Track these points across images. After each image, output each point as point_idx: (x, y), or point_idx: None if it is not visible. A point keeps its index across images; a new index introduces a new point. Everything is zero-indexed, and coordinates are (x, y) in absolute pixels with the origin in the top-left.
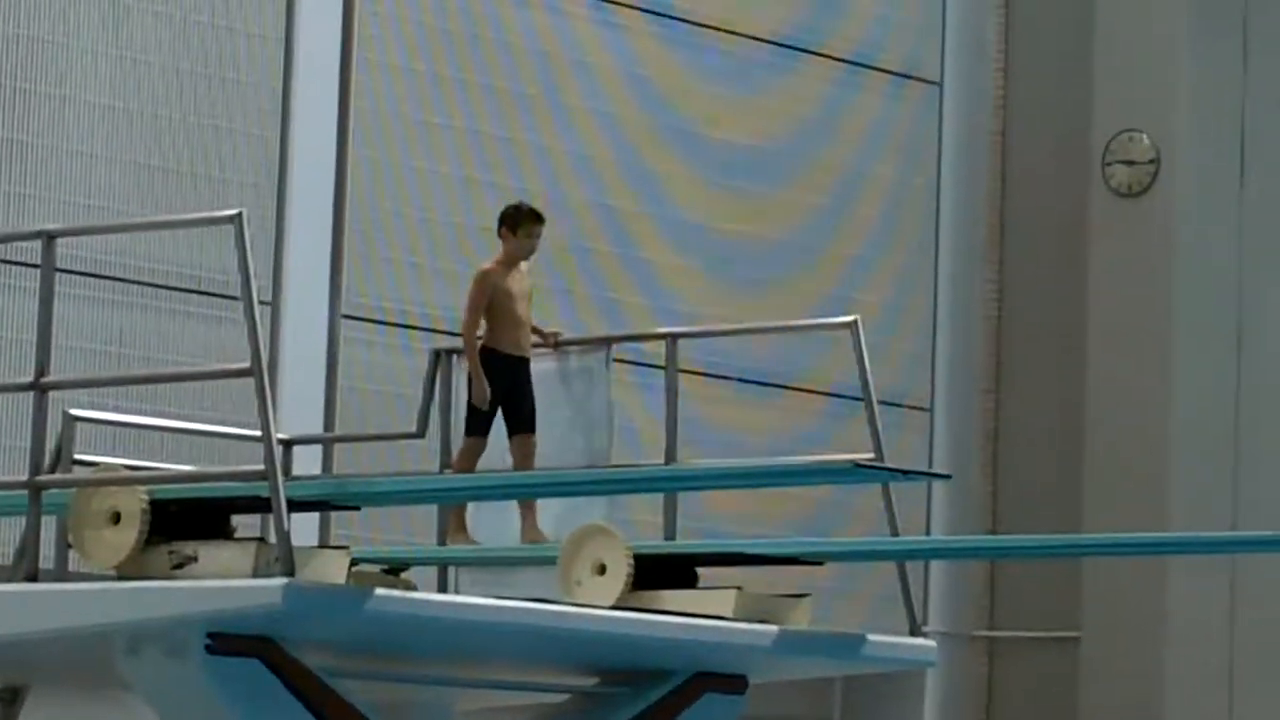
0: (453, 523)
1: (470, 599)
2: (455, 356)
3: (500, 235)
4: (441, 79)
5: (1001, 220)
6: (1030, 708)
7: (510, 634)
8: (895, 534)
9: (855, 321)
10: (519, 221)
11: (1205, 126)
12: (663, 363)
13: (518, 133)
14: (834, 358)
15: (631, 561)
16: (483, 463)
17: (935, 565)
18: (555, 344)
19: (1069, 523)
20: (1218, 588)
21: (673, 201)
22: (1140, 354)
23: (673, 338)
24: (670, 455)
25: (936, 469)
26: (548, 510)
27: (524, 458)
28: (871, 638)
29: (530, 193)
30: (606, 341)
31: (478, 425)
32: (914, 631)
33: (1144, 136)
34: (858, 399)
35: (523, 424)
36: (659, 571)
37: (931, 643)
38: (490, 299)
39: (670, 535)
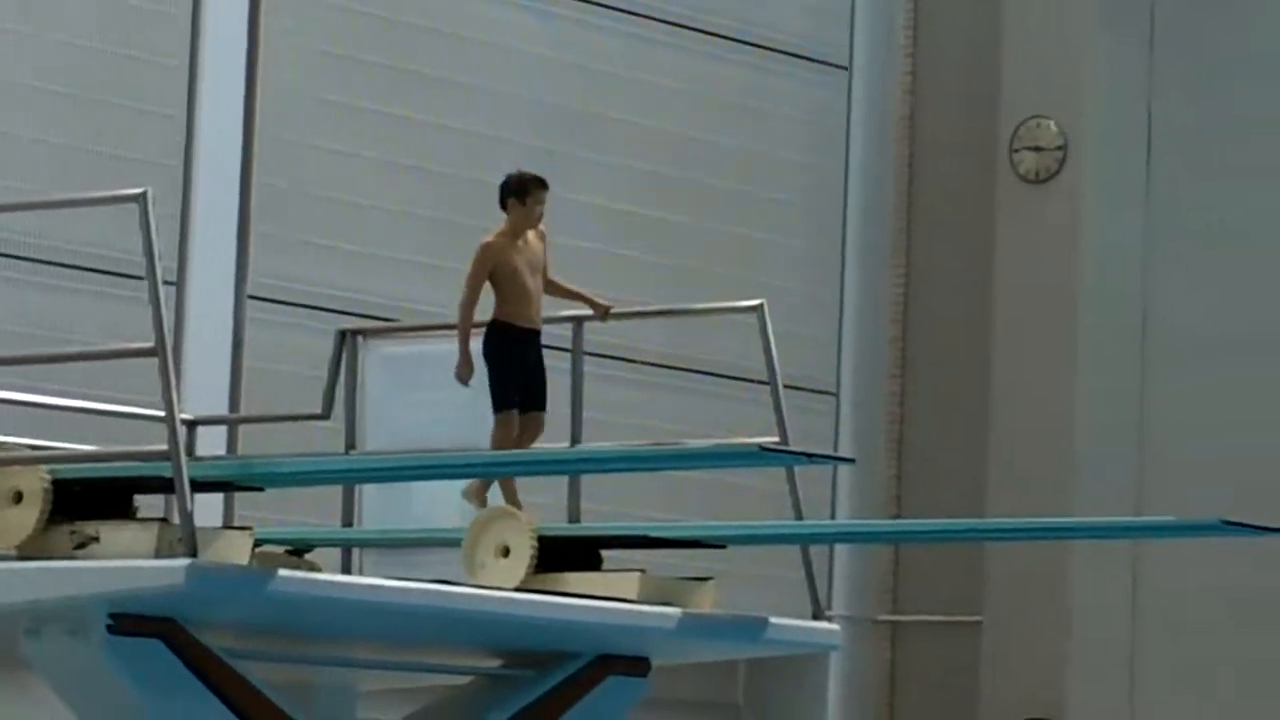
0: (477, 490)
1: (373, 580)
2: (360, 337)
3: (505, 207)
4: (351, 60)
5: (909, 206)
6: (933, 691)
7: (413, 616)
8: (799, 518)
9: (761, 305)
10: (526, 190)
11: (1113, 114)
12: (569, 346)
13: (427, 115)
14: (740, 341)
15: (535, 544)
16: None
17: (839, 549)
18: (605, 315)
19: (973, 507)
20: (1120, 573)
21: (581, 185)
22: (1046, 340)
23: (578, 321)
24: (575, 438)
25: (841, 453)
26: (451, 494)
27: (532, 436)
28: (775, 621)
29: (438, 175)
30: None
31: (505, 399)
32: (817, 615)
33: (1052, 123)
34: (764, 383)
35: (534, 401)
36: (563, 554)
37: (835, 627)
38: (495, 273)
39: (574, 518)
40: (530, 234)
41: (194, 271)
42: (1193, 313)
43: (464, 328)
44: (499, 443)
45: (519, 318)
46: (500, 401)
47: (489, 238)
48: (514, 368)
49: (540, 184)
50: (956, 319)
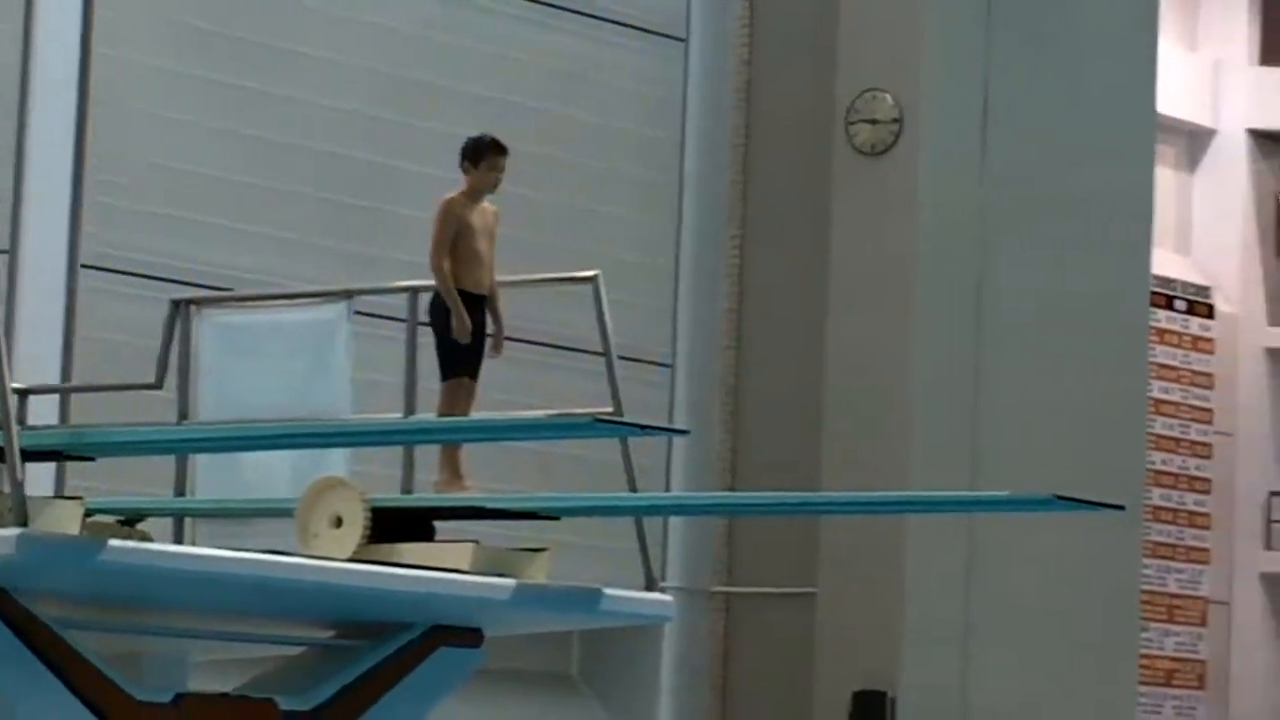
0: (447, 472)
1: (205, 550)
2: (194, 306)
3: (463, 169)
4: (186, 27)
5: (745, 178)
6: (767, 663)
7: (245, 586)
8: (633, 489)
9: (596, 276)
10: (481, 154)
11: (948, 87)
12: (404, 315)
13: (263, 84)
14: (576, 312)
15: (369, 514)
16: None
17: (674, 521)
18: (498, 343)
19: (808, 480)
20: (954, 546)
21: (417, 155)
22: (881, 313)
23: (413, 291)
24: (409, 408)
25: (676, 424)
26: (285, 464)
27: (466, 402)
28: (609, 592)
29: (274, 144)
30: (348, 294)
31: (458, 363)
32: (651, 586)
33: (887, 96)
34: (598, 354)
35: (471, 369)
36: (396, 524)
37: (669, 598)
38: (461, 230)
39: (408, 489)
40: (487, 205)
41: (26, 240)
42: (1028, 285)
43: (448, 286)
44: (446, 410)
45: (468, 281)
46: (448, 368)
47: (451, 195)
48: (453, 335)
49: (497, 148)
50: (792, 292)
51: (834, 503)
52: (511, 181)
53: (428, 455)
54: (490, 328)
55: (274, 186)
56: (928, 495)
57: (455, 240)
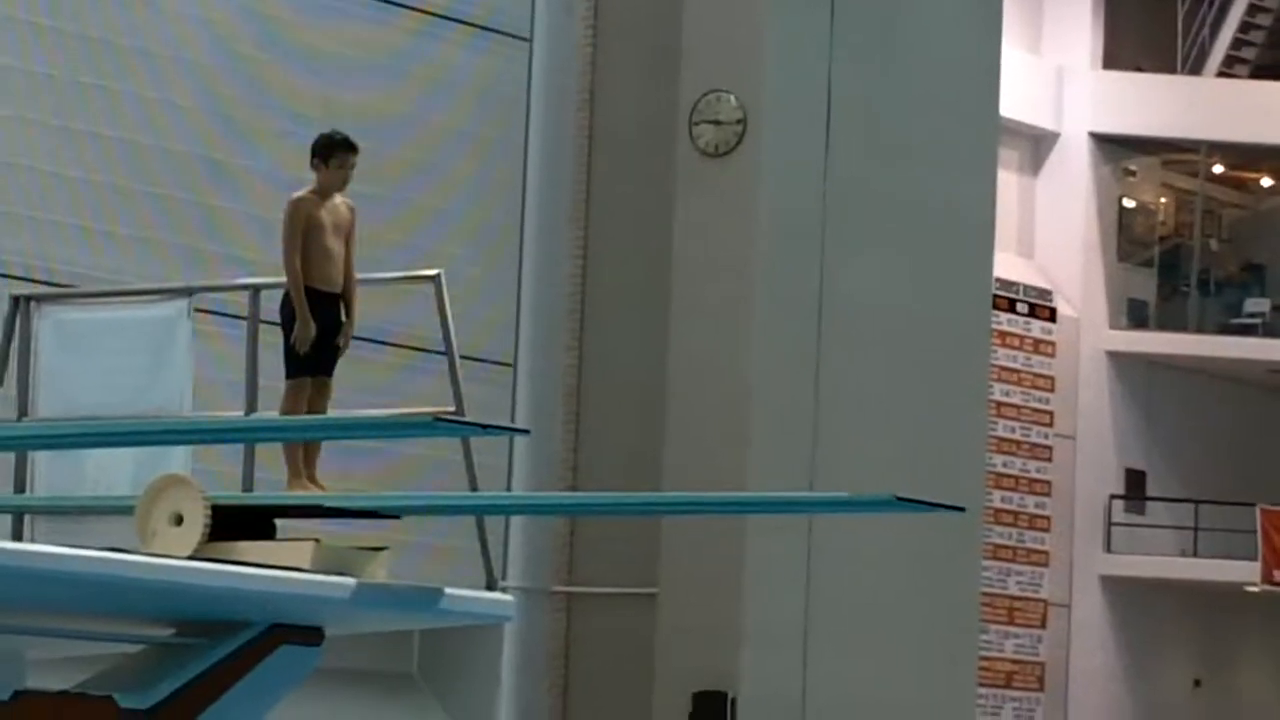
0: (293, 474)
1: (42, 548)
2: (34, 303)
3: (313, 167)
4: (22, 23)
5: (588, 178)
6: (607, 662)
7: (85, 584)
8: (474, 489)
9: (438, 275)
10: (331, 151)
11: (792, 89)
12: (245, 314)
13: (102, 80)
14: (418, 311)
15: (209, 512)
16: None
17: (515, 520)
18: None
19: (649, 480)
20: (795, 548)
21: (259, 152)
22: (722, 315)
23: (255, 289)
24: (251, 406)
25: (518, 424)
26: (126, 461)
27: (323, 401)
28: (449, 591)
29: (114, 140)
30: (188, 292)
31: (302, 364)
32: (491, 586)
33: (731, 97)
34: (441, 353)
35: (325, 367)
36: (237, 522)
37: (509, 597)
38: (310, 229)
39: (249, 487)
40: (340, 201)
41: None
42: (870, 287)
43: (297, 286)
44: (289, 409)
45: (318, 279)
46: (293, 367)
47: (299, 194)
48: (323, 332)
49: (347, 146)
50: (635, 292)
51: (675, 503)
52: (355, 179)
53: (270, 453)
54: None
55: (115, 183)
56: (768, 496)
57: (306, 238)
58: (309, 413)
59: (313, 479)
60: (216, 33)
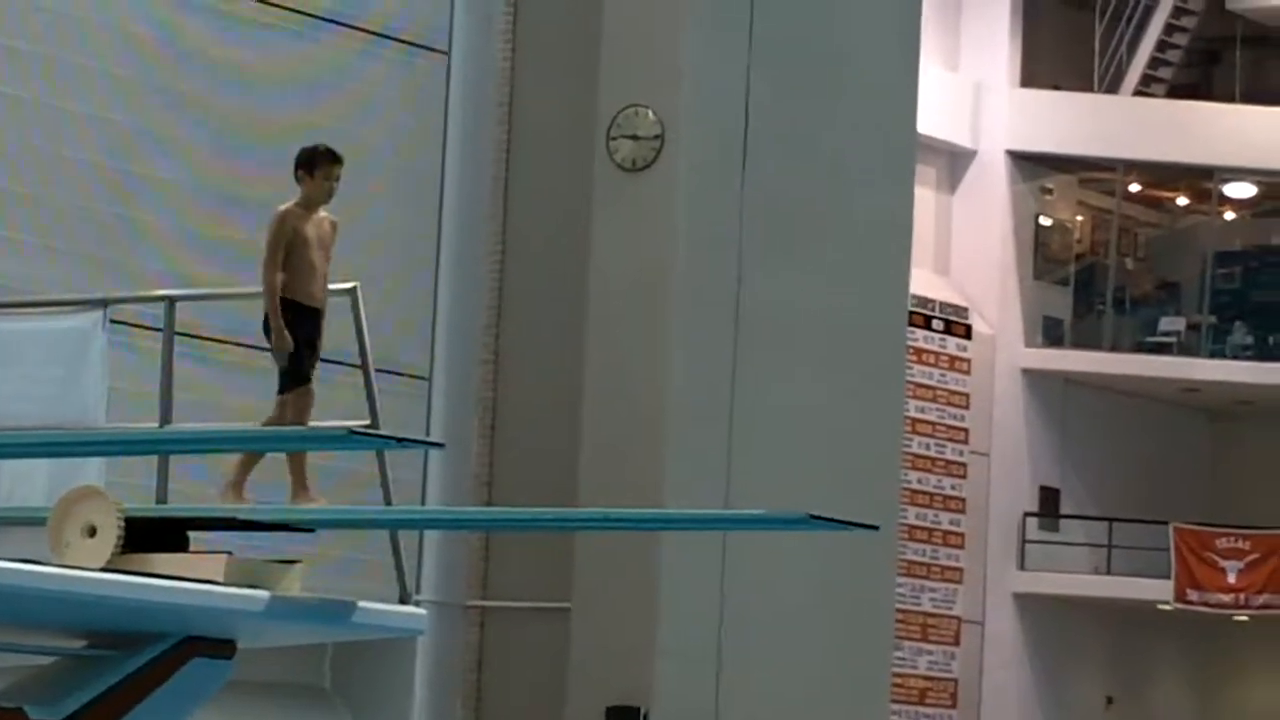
0: (234, 484)
1: None
2: None
3: (297, 179)
4: None
5: (506, 192)
6: (521, 677)
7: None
8: (388, 502)
9: (355, 288)
10: (315, 163)
11: (710, 104)
12: (160, 325)
13: (17, 89)
14: (334, 323)
15: (122, 524)
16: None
17: (430, 534)
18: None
19: (564, 495)
20: (709, 564)
21: (178, 165)
22: (639, 329)
23: (171, 300)
24: (165, 418)
25: (433, 438)
26: (39, 472)
27: (301, 411)
28: (362, 605)
29: (30, 149)
30: (103, 303)
31: (290, 377)
32: (405, 600)
33: (649, 112)
34: (356, 365)
35: (305, 378)
36: (151, 534)
37: (422, 611)
38: (294, 243)
39: (162, 499)
40: (324, 215)
41: None
42: (786, 303)
43: (273, 298)
44: (278, 420)
45: (300, 294)
46: (282, 382)
47: (285, 206)
48: (301, 345)
49: (331, 158)
50: (552, 306)
51: (590, 519)
52: (270, 191)
53: (184, 466)
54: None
55: (30, 193)
56: (683, 513)
57: (289, 252)
58: (292, 422)
59: (303, 488)
60: (136, 46)
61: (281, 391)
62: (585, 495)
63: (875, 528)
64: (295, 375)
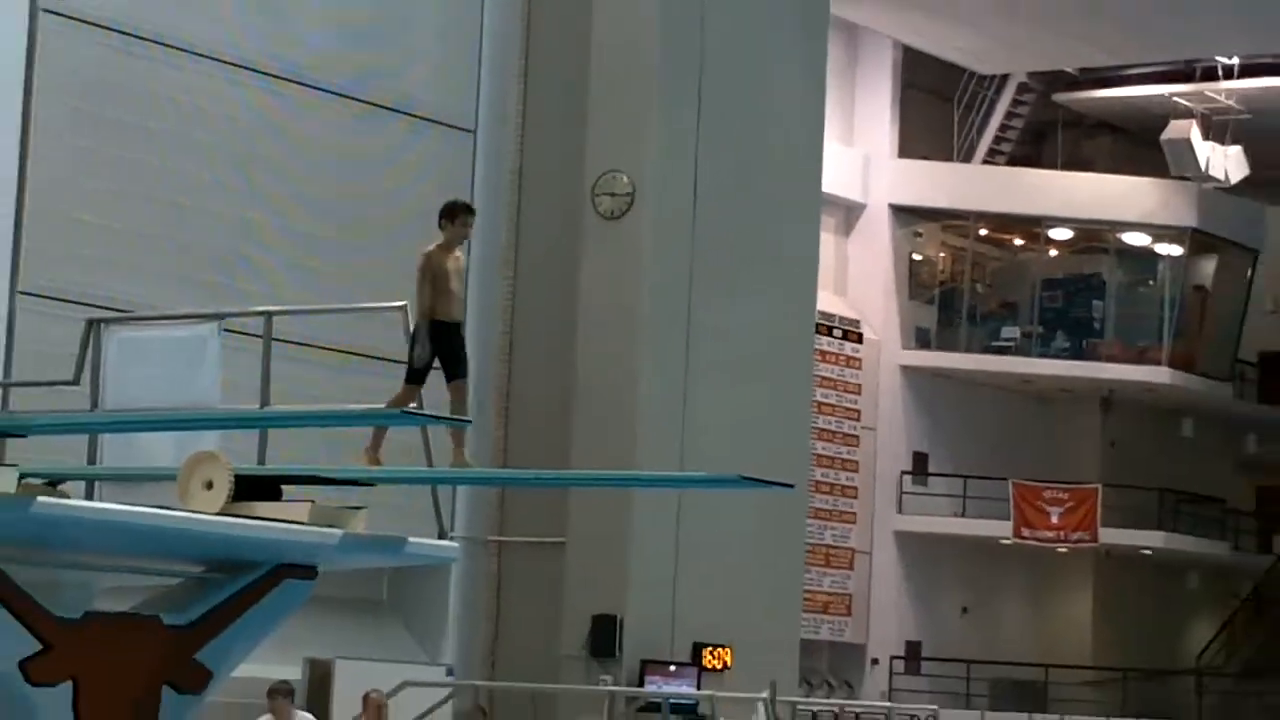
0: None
1: (110, 505)
2: (103, 324)
3: (440, 226)
4: (112, 122)
5: (516, 236)
6: (528, 594)
7: (139, 532)
8: (430, 464)
9: (405, 306)
10: (454, 214)
11: (669, 169)
12: (261, 333)
13: (153, 157)
14: (389, 334)
15: (232, 479)
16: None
17: (460, 488)
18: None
19: (560, 461)
20: (668, 511)
21: (273, 213)
22: (616, 341)
23: (268, 315)
24: (263, 402)
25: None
26: (170, 441)
27: (459, 399)
28: (411, 540)
29: (161, 201)
30: (218, 317)
31: (414, 375)
32: (442, 536)
33: (624, 175)
34: (402, 362)
35: (457, 373)
36: (253, 487)
37: (455, 544)
38: (436, 275)
39: (262, 461)
40: (459, 253)
41: None
42: (726, 320)
43: (421, 316)
44: (396, 402)
45: (441, 313)
46: (409, 376)
47: (429, 247)
48: (427, 351)
49: (467, 210)
50: (551, 322)
51: (578, 479)
52: (340, 232)
53: (279, 437)
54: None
55: (160, 234)
56: (648, 475)
57: (433, 280)
58: (453, 407)
59: (374, 457)
60: (240, 126)
61: (408, 382)
62: (575, 461)
63: (791, 486)
64: (414, 375)
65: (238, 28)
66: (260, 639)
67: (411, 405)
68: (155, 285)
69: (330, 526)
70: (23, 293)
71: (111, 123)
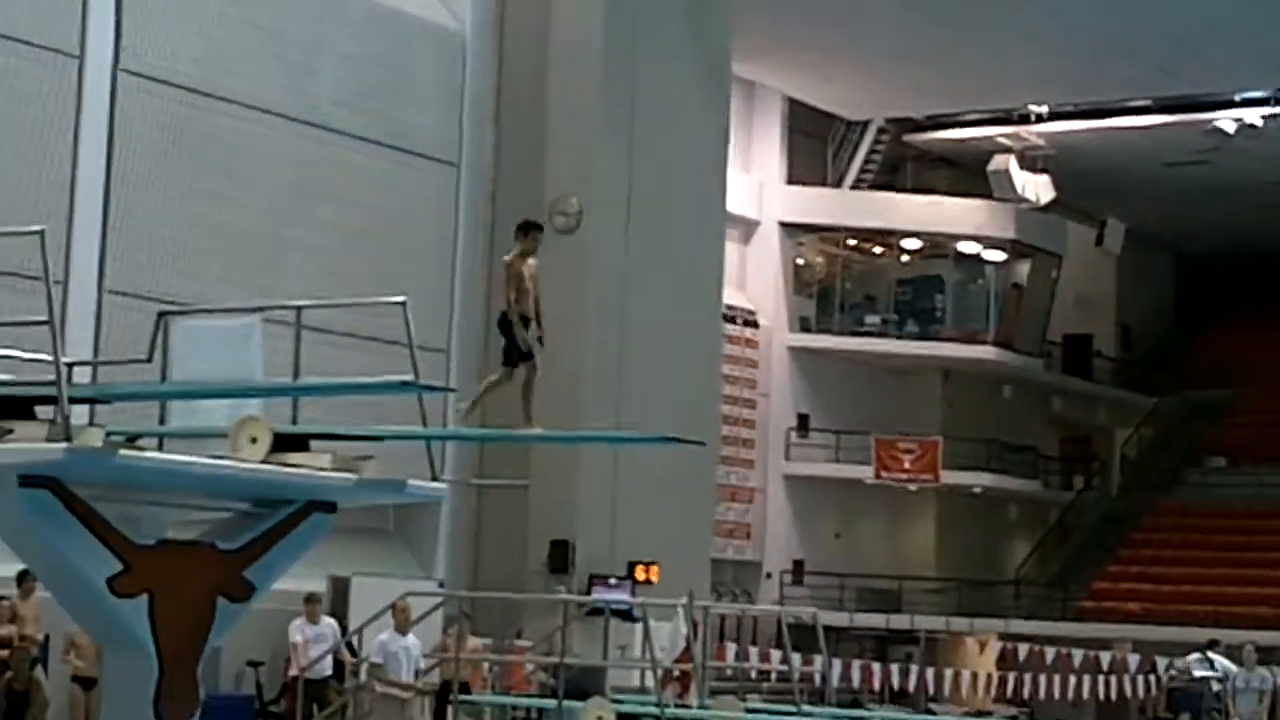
0: (469, 408)
1: (177, 456)
2: (170, 317)
3: (516, 239)
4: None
5: (491, 248)
6: (501, 525)
7: (200, 477)
8: (424, 424)
9: (405, 301)
10: (528, 231)
11: (608, 194)
12: (293, 323)
13: (200, 182)
14: (385, 320)
15: (271, 436)
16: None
17: (449, 443)
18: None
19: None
20: (608, 460)
21: (302, 231)
22: (568, 330)
23: (299, 309)
24: (295, 375)
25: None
26: (223, 407)
27: (530, 376)
28: (410, 482)
29: (207, 221)
30: (261, 310)
31: (509, 360)
32: (434, 479)
33: (574, 199)
34: (402, 344)
35: (529, 357)
36: (288, 442)
37: (444, 486)
38: (515, 277)
39: (294, 422)
40: (533, 262)
41: (74, 275)
42: (651, 312)
43: (512, 313)
44: (490, 385)
45: (524, 309)
46: (505, 359)
47: (510, 256)
48: (513, 340)
49: (537, 227)
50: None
51: (536, 437)
52: (355, 243)
53: (307, 405)
54: (534, 331)
55: (209, 247)
56: (593, 434)
57: (517, 283)
58: (526, 382)
59: (529, 418)
60: (271, 164)
61: (505, 364)
62: (535, 422)
63: (703, 443)
64: (508, 358)
65: (274, 85)
66: (293, 560)
67: (492, 378)
68: (211, 286)
69: (347, 472)
70: (110, 292)
71: (176, 161)
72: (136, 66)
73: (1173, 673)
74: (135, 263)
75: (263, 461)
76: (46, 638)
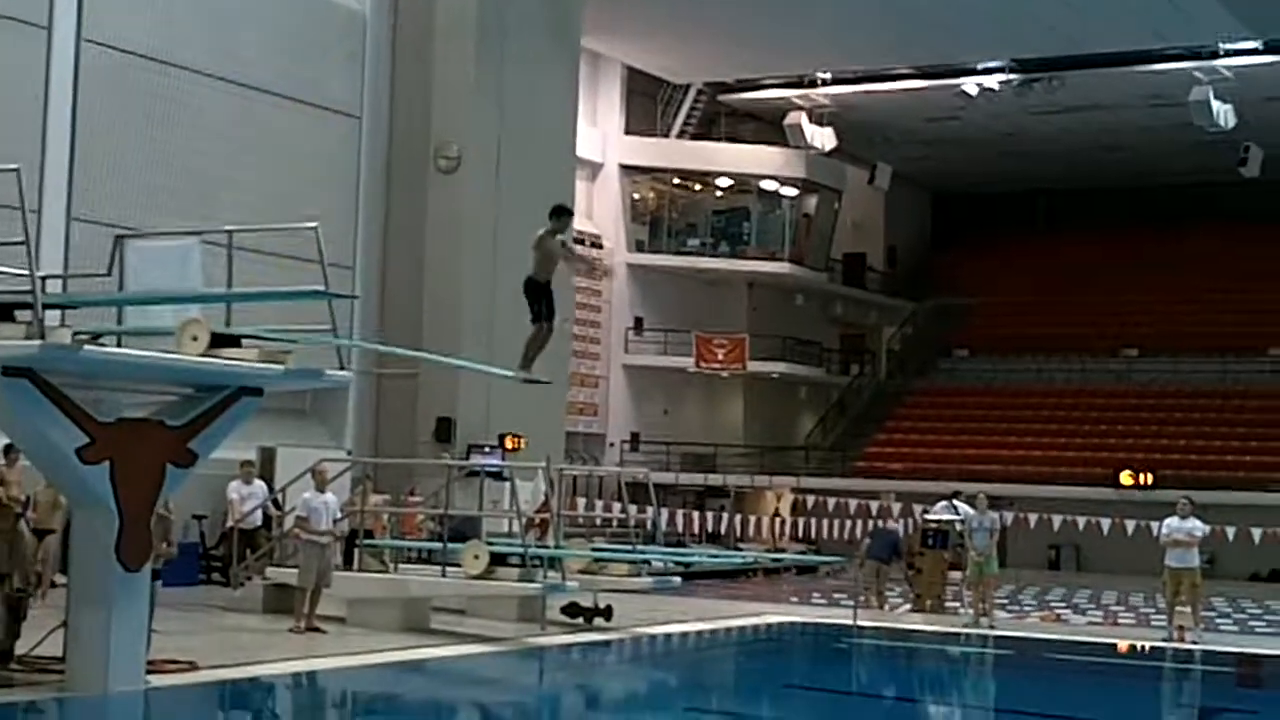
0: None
1: (132, 351)
2: (125, 240)
3: (549, 217)
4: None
5: (388, 187)
6: (397, 405)
7: (152, 368)
8: (335, 332)
9: (316, 226)
10: (558, 214)
11: (482, 141)
12: (226, 245)
13: (165, 135)
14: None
15: (209, 334)
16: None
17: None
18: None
19: (414, 340)
20: (483, 355)
21: (243, 172)
22: (451, 261)
23: (230, 233)
24: (229, 285)
25: (355, 307)
26: (169, 312)
27: (548, 334)
28: (326, 371)
29: (170, 168)
30: (199, 234)
31: (535, 317)
32: (342, 369)
33: (454, 144)
34: (313, 261)
35: (550, 315)
36: (223, 340)
37: (350, 374)
38: (539, 249)
39: (228, 324)
40: (560, 238)
41: (46, 205)
42: (517, 241)
43: (537, 278)
44: (535, 336)
45: (540, 276)
46: (532, 317)
47: (540, 231)
48: (538, 301)
49: (569, 213)
50: (410, 248)
51: (424, 354)
52: (279, 181)
53: (240, 310)
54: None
55: (167, 186)
56: (467, 360)
57: (539, 254)
58: (540, 337)
59: (526, 364)
60: (216, 115)
61: (533, 322)
62: (426, 343)
63: (549, 382)
64: (537, 316)
65: (212, 51)
66: (229, 434)
67: (530, 337)
68: (160, 215)
69: (273, 362)
70: (75, 219)
71: (130, 113)
72: (98, 36)
73: (926, 516)
74: (97, 195)
75: (202, 355)
76: (28, 498)
